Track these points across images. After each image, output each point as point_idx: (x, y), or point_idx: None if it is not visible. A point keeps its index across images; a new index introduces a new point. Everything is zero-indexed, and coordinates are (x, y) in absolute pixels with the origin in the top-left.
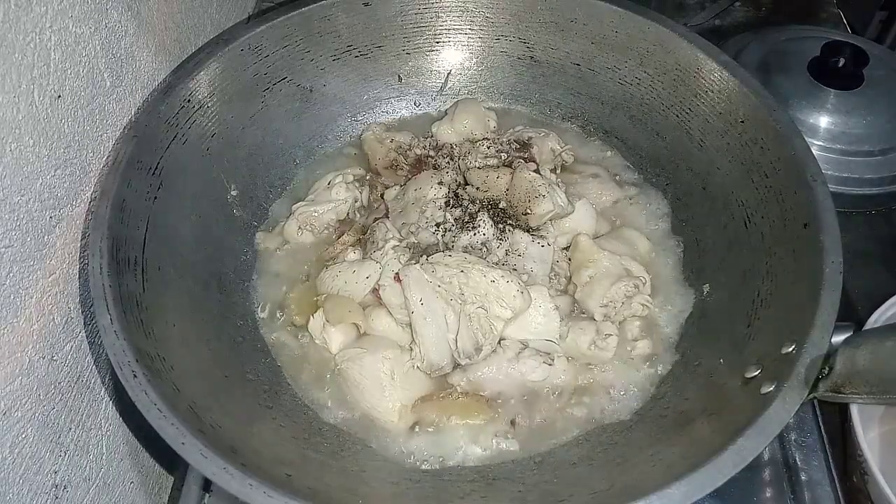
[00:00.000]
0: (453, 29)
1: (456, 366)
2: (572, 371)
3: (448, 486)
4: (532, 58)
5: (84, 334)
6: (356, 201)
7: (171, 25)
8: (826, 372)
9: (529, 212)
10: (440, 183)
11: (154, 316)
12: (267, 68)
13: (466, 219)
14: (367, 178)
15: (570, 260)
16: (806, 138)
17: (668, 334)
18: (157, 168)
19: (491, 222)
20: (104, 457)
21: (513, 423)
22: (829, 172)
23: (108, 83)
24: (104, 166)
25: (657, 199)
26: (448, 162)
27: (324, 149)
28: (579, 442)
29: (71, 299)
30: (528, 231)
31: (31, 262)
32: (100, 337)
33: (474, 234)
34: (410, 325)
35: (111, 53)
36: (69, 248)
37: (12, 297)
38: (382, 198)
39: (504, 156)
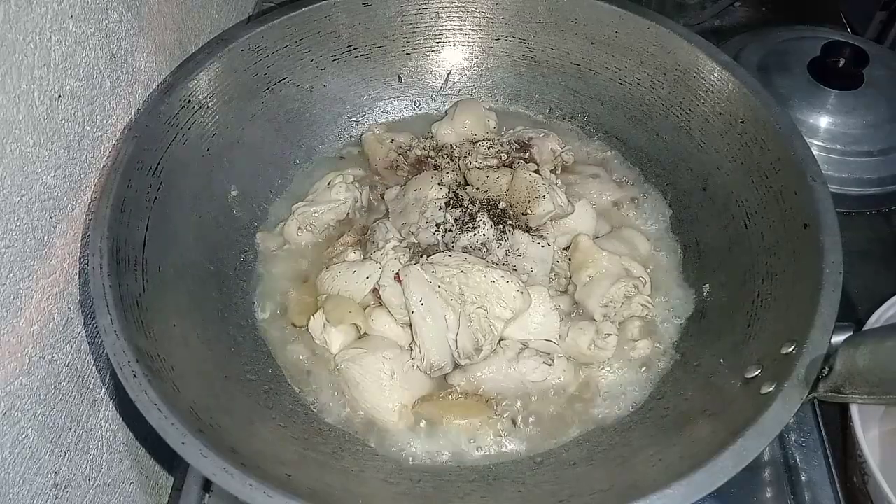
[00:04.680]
0: (453, 29)
1: (456, 366)
2: (572, 371)
3: (448, 486)
4: (532, 58)
5: (84, 334)
6: (356, 201)
7: (171, 25)
8: (826, 372)
9: (529, 212)
10: (440, 183)
11: (154, 316)
12: (267, 68)
13: (466, 219)
14: (368, 178)
15: (570, 260)
16: (806, 138)
17: (668, 334)
18: (157, 168)
19: (491, 222)
20: (104, 457)
21: (513, 423)
22: (829, 172)
23: (108, 83)
24: (104, 166)
25: (657, 199)
26: (448, 162)
27: (324, 149)
28: (579, 442)
29: (71, 299)
30: (528, 231)
31: (31, 262)
32: (100, 337)
33: (474, 235)
34: (410, 325)
35: (111, 53)
36: (69, 248)
37: (12, 297)
38: (382, 198)
39: (504, 156)
